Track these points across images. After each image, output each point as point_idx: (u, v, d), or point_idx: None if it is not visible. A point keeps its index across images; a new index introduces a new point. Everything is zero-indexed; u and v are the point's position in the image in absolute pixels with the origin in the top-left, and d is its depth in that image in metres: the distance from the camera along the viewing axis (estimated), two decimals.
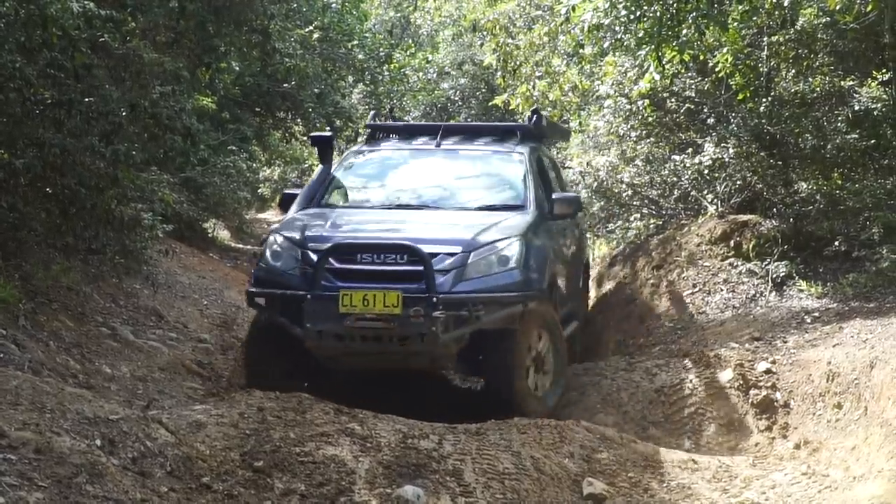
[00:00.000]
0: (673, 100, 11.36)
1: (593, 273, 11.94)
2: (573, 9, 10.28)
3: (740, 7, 9.41)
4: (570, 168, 13.18)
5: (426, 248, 6.25)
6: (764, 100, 10.40)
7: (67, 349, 6.62)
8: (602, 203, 12.56)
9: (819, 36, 10.20)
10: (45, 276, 7.16)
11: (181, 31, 9.98)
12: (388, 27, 24.18)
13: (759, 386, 7.13)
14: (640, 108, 11.27)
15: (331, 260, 6.27)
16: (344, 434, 5.10)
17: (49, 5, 6.13)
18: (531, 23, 13.66)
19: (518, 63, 12.98)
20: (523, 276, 6.52)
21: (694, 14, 8.86)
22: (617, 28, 9.99)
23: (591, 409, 7.06)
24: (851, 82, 10.13)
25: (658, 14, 9.07)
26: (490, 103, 16.93)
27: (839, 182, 9.95)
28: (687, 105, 11.28)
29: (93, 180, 6.85)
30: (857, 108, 9.87)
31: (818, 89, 10.25)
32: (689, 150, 11.13)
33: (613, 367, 7.71)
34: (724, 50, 9.94)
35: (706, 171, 10.79)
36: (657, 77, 9.68)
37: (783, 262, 9.36)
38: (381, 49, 19.85)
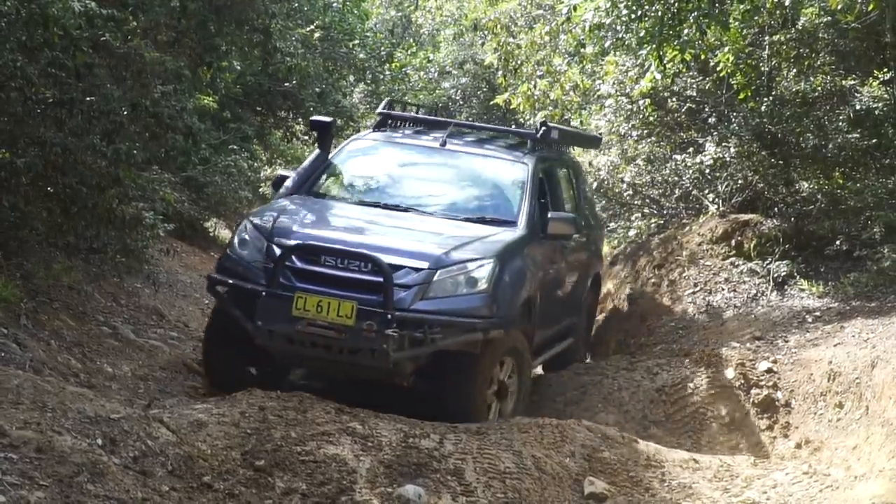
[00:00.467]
0: (674, 99, 11.36)
1: None
2: (574, 8, 10.28)
3: (741, 6, 9.41)
4: None
5: (392, 260, 6.00)
6: (765, 99, 10.40)
7: (69, 348, 6.62)
8: (603, 203, 12.56)
9: (820, 35, 10.20)
10: (47, 275, 7.16)
11: (182, 31, 9.97)
12: (389, 26, 24.17)
13: (760, 385, 7.14)
14: (642, 108, 11.26)
15: (293, 258, 6.07)
16: (345, 433, 5.10)
17: (50, 4, 6.13)
18: (532, 22, 13.68)
19: (519, 62, 12.97)
20: (490, 301, 6.16)
21: (695, 13, 8.86)
22: (618, 27, 9.99)
23: (592, 408, 7.06)
24: (853, 81, 10.13)
25: (659, 13, 9.08)
26: (491, 102, 16.94)
27: (840, 181, 9.95)
28: (688, 104, 11.27)
29: (94, 179, 6.84)
30: (858, 107, 9.87)
31: (819, 89, 10.26)
32: (691, 149, 11.13)
33: (615, 367, 7.71)
34: (726, 49, 9.95)
35: (707, 171, 10.79)
36: (658, 76, 9.69)
37: (784, 262, 9.36)
38: (383, 48, 19.81)
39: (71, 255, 7.49)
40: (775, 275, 9.30)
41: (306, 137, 18.24)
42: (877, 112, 9.82)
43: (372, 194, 7.32)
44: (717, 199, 10.83)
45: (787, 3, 9.44)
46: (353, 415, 5.43)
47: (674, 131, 11.67)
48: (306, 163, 7.56)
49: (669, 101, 11.38)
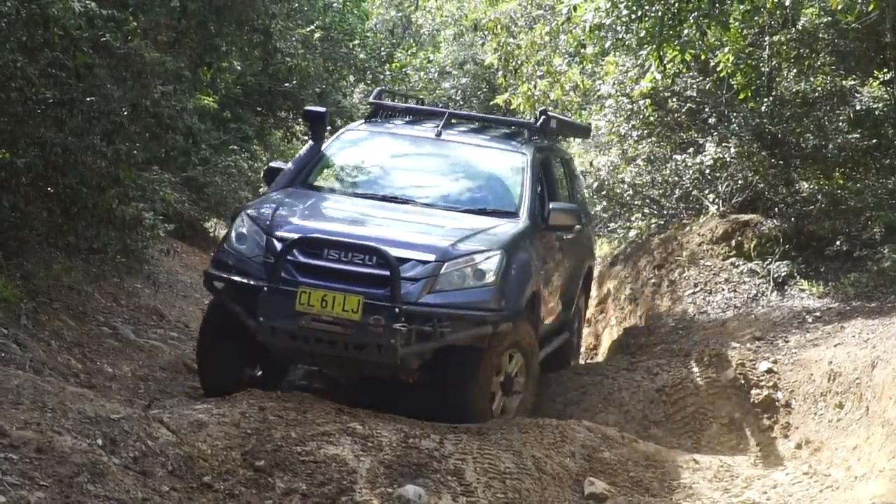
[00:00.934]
0: (674, 99, 11.36)
1: (595, 273, 11.92)
2: (575, 8, 10.28)
3: (742, 7, 9.41)
4: None
5: (398, 253, 5.81)
6: (765, 99, 10.41)
7: (69, 348, 6.62)
8: (604, 203, 12.55)
9: (820, 35, 10.20)
10: (47, 275, 7.16)
11: (182, 31, 9.97)
12: (389, 27, 24.17)
13: (760, 385, 7.13)
14: (642, 108, 11.26)
15: (294, 252, 5.86)
16: (345, 433, 5.10)
17: (50, 5, 6.13)
18: (532, 22, 13.67)
19: (519, 62, 12.97)
20: (498, 294, 6.03)
21: (695, 14, 8.86)
22: (618, 28, 9.99)
23: (592, 408, 7.06)
24: (853, 82, 10.14)
25: (659, 14, 9.07)
26: (491, 102, 16.93)
27: (840, 181, 9.95)
28: (688, 105, 11.27)
29: (94, 180, 6.83)
30: (858, 107, 9.87)
31: (819, 89, 10.26)
32: (691, 149, 11.13)
33: (615, 367, 7.71)
34: (726, 49, 9.94)
35: (707, 171, 10.79)
36: (658, 77, 9.68)
37: (784, 262, 9.35)
38: (383, 48, 19.83)
39: (71, 256, 7.49)
40: (775, 275, 9.30)
41: (306, 138, 18.25)
42: (877, 112, 9.83)
43: (370, 186, 7.10)
44: (717, 200, 10.83)
45: (787, 4, 9.43)
46: (353, 415, 5.43)
47: (674, 131, 11.67)
48: (298, 155, 7.33)
49: (670, 101, 11.38)
